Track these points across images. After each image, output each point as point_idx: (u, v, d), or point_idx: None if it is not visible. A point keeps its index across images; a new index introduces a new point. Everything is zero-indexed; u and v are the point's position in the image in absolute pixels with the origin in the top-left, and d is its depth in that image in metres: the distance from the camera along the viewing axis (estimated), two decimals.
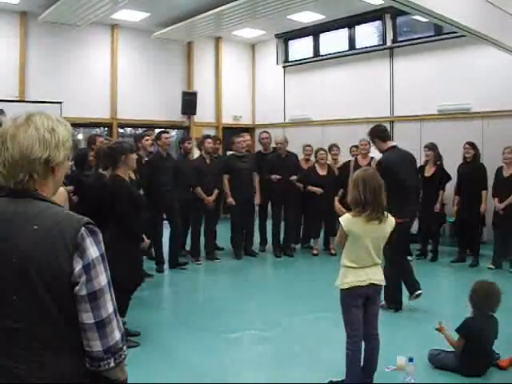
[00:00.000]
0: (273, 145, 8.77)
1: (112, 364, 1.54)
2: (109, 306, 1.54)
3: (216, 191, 7.97)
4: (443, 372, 4.10)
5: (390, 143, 5.59)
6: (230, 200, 8.10)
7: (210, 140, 8.03)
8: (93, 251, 1.52)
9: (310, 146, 9.02)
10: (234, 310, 5.78)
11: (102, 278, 1.53)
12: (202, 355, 4.49)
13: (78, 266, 1.48)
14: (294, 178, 8.28)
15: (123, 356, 1.58)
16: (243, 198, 8.09)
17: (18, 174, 1.54)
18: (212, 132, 12.14)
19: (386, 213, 3.64)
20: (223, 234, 8.78)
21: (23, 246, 1.48)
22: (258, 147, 9.85)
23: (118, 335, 1.56)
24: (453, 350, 4.17)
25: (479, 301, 4.17)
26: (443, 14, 6.22)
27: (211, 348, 4.67)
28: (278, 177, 8.20)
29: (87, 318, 1.50)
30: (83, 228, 1.52)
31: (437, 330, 4.31)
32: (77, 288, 1.49)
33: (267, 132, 8.99)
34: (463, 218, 7.85)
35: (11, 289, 1.48)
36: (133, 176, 5.78)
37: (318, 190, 8.31)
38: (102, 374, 1.56)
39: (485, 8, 6.90)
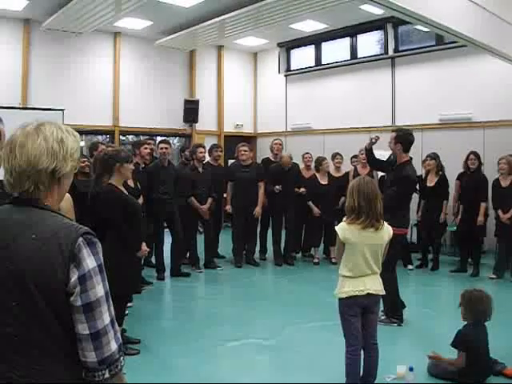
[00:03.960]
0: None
1: (107, 375, 1.53)
2: (105, 317, 1.52)
3: (210, 199, 7.92)
4: (443, 381, 4.09)
5: (408, 156, 5.45)
6: (228, 208, 8.18)
7: (201, 149, 7.97)
8: (89, 262, 1.50)
9: (308, 153, 8.99)
10: (234, 319, 5.76)
11: (99, 289, 1.52)
12: (202, 363, 4.47)
13: (73, 277, 1.47)
14: (303, 190, 8.34)
15: (119, 367, 1.57)
16: (244, 207, 8.10)
17: (24, 183, 1.54)
18: (214, 140, 12.17)
19: (382, 221, 3.64)
20: (224, 242, 8.78)
21: (21, 255, 1.48)
22: (260, 156, 9.87)
23: (114, 346, 1.54)
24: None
25: (478, 310, 4.14)
26: (444, 24, 6.25)
27: (211, 356, 4.66)
28: (280, 188, 8.21)
29: (82, 328, 1.49)
30: (81, 238, 1.51)
31: (430, 358, 4.24)
32: (72, 298, 1.48)
33: (280, 139, 8.99)
34: (464, 229, 7.84)
35: (10, 295, 1.48)
36: (132, 184, 5.76)
37: (317, 210, 8.37)
38: None
39: (485, 18, 6.93)
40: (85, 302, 1.48)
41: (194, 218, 7.90)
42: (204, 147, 8.13)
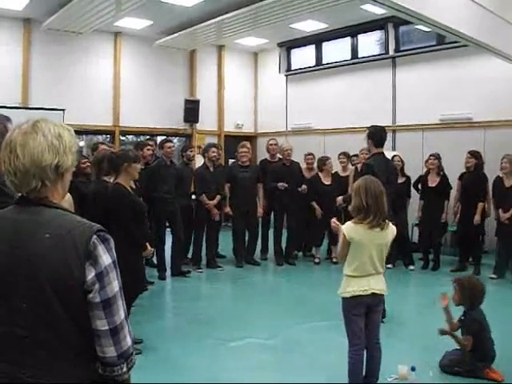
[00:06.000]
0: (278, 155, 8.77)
1: (125, 369, 1.57)
2: (121, 312, 1.55)
3: (218, 197, 7.97)
4: (446, 381, 4.09)
5: (380, 150, 5.70)
6: (228, 210, 8.19)
7: (214, 149, 8.04)
8: (105, 258, 1.53)
9: (311, 154, 8.96)
10: (235, 318, 5.76)
11: (115, 285, 1.54)
12: (203, 363, 4.47)
13: (90, 274, 1.49)
14: (304, 187, 8.28)
15: (134, 361, 1.61)
16: (245, 207, 8.10)
17: (30, 182, 1.54)
18: (214, 140, 12.16)
19: (386, 220, 3.64)
20: (225, 241, 8.78)
21: (35, 254, 1.48)
22: (260, 156, 9.86)
23: (129, 341, 1.58)
24: None
25: (475, 296, 4.21)
26: (445, 24, 6.25)
27: (212, 356, 4.66)
28: (285, 185, 8.17)
29: (101, 324, 1.51)
30: (95, 236, 1.52)
31: (442, 333, 4.30)
32: (90, 296, 1.49)
33: (275, 139, 8.99)
34: (463, 228, 7.87)
35: (21, 296, 1.48)
36: (133, 185, 5.77)
37: (319, 211, 8.34)
38: (114, 379, 1.57)
39: (487, 17, 6.93)
40: (103, 299, 1.51)
41: (201, 216, 7.93)
42: (217, 147, 8.24)
